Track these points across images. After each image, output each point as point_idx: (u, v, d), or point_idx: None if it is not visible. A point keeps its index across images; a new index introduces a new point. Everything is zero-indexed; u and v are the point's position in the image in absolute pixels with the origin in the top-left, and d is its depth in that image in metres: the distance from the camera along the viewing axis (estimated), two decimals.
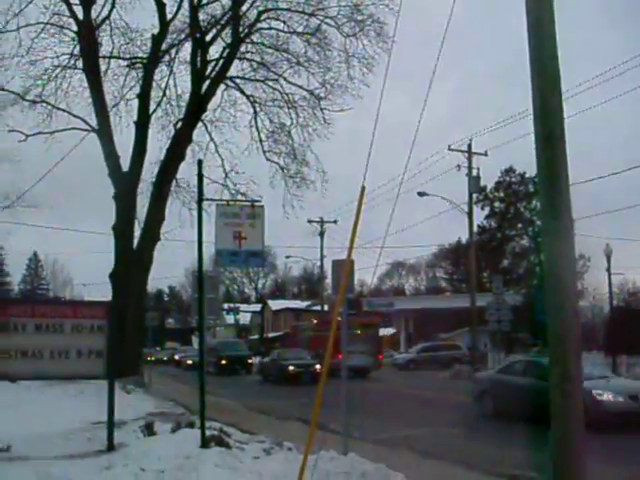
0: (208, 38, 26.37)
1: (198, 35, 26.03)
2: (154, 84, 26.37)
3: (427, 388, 25.32)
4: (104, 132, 24.99)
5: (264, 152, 27.40)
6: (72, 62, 25.69)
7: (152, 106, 26.28)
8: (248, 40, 26.77)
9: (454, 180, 35.29)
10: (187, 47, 26.77)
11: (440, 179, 47.56)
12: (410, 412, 16.93)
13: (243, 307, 78.32)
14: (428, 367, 37.87)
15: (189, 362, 44.27)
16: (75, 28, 25.22)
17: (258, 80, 27.37)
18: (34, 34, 24.37)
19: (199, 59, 26.03)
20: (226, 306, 70.85)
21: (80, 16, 24.92)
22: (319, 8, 25.76)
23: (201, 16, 26.22)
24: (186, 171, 26.31)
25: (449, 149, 33.11)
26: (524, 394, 13.47)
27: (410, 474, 8.07)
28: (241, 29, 26.18)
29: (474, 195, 35.62)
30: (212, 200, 10.68)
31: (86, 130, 25.48)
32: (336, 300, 9.47)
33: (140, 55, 26.56)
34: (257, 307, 78.89)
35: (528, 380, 14.27)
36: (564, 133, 5.22)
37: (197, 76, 25.92)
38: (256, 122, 27.41)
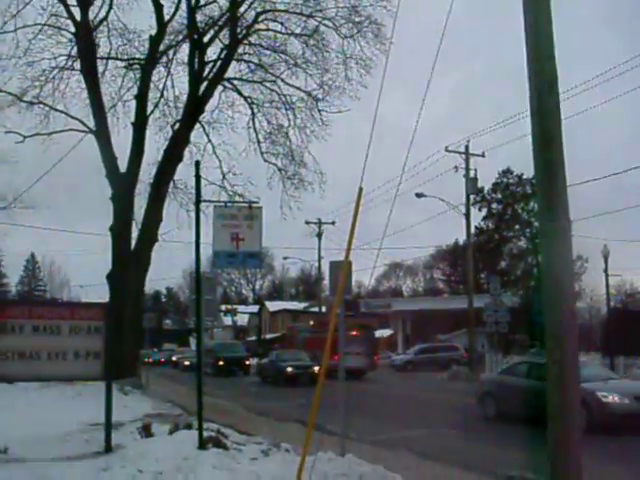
0: (206, 39, 26.37)
1: (196, 36, 26.04)
2: (152, 85, 26.38)
3: (425, 389, 25.33)
4: (102, 133, 24.97)
5: (262, 153, 27.48)
6: (70, 63, 25.71)
7: (150, 107, 26.29)
8: (246, 41, 26.78)
9: (451, 181, 35.46)
10: (185, 48, 26.84)
11: (438, 180, 47.84)
12: (408, 413, 16.93)
13: (241, 308, 78.35)
14: (426, 368, 37.92)
15: (186, 363, 44.36)
16: (73, 29, 25.19)
17: (256, 81, 27.41)
18: (31, 35, 24.37)
19: (197, 60, 26.01)
20: (224, 307, 70.82)
21: (78, 17, 24.88)
22: (317, 10, 25.83)
23: (199, 17, 26.28)
24: (184, 172, 26.39)
25: (446, 150, 33.19)
26: (527, 396, 13.39)
27: (408, 475, 8.08)
28: (239, 30, 26.19)
29: (472, 196, 35.71)
30: (210, 201, 10.72)
31: (84, 131, 25.50)
32: (334, 301, 9.47)
33: (138, 56, 26.55)
34: (255, 308, 78.82)
35: (531, 382, 14.14)
36: (561, 134, 5.23)
37: (195, 77, 25.92)
38: (254, 123, 27.49)
